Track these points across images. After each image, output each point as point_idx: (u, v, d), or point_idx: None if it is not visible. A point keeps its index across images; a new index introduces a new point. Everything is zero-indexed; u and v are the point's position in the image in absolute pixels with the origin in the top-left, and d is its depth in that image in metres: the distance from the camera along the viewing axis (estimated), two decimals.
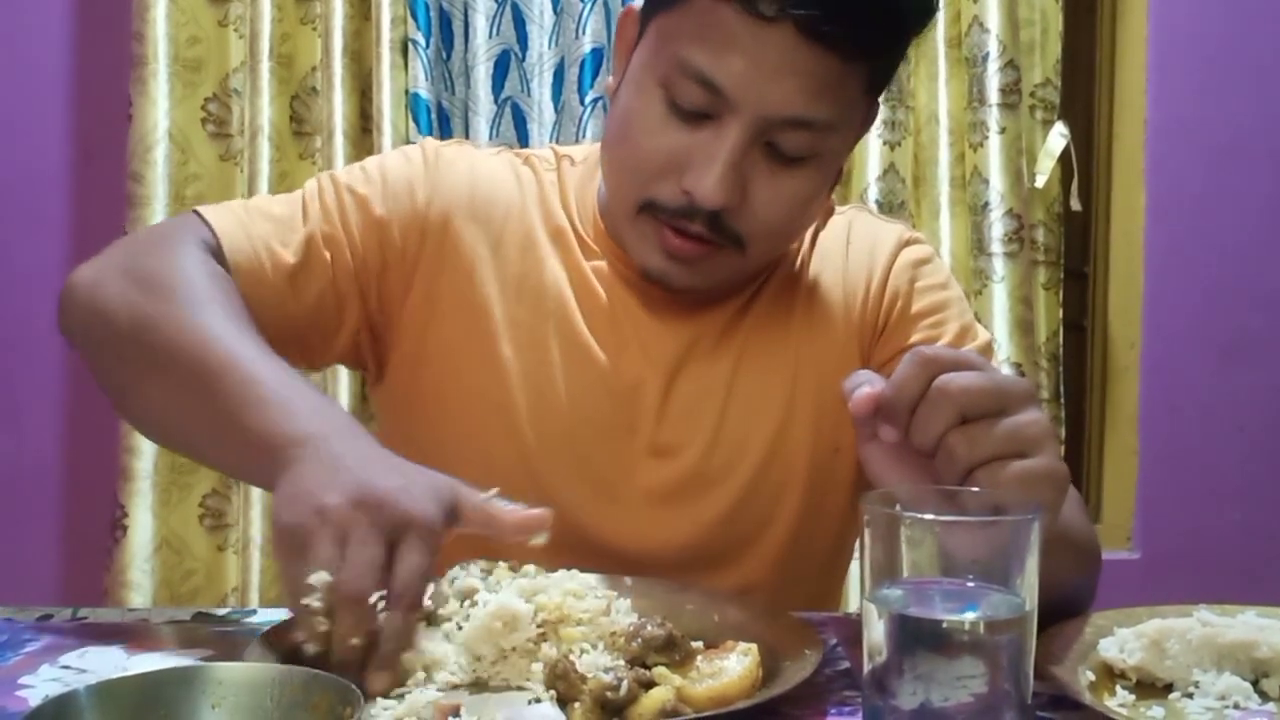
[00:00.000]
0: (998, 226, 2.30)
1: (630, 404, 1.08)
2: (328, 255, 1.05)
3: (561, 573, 0.84)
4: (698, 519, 1.08)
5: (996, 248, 2.31)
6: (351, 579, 0.74)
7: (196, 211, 1.05)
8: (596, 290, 1.09)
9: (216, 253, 1.01)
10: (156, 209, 2.13)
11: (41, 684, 0.81)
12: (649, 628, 0.77)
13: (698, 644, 0.79)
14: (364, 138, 2.19)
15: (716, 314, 1.11)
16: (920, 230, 2.32)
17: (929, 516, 0.61)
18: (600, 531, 1.06)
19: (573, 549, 1.04)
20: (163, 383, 0.91)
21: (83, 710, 0.62)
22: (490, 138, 2.21)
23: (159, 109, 2.14)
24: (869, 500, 0.64)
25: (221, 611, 0.99)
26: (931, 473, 0.78)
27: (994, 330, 2.31)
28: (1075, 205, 2.42)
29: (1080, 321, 2.59)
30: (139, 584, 2.13)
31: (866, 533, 0.63)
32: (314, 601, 0.73)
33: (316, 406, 0.86)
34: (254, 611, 0.99)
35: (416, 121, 2.16)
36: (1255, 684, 0.80)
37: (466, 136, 2.23)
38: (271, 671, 0.67)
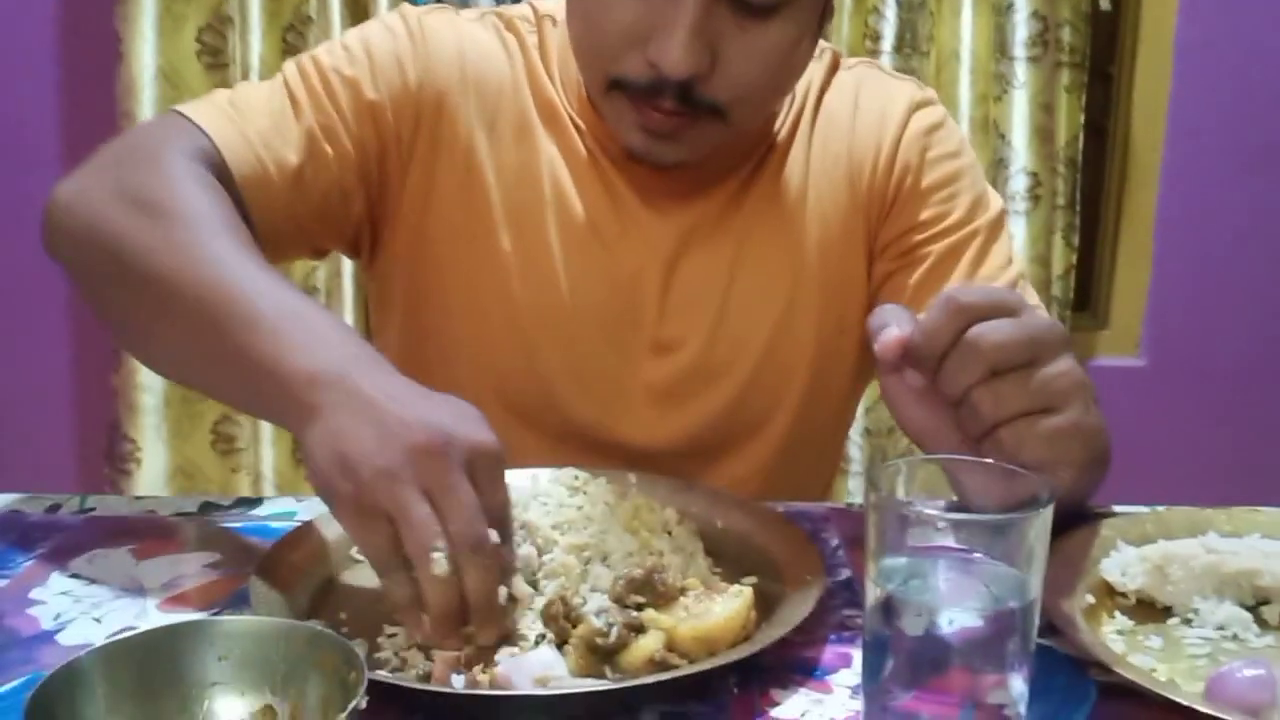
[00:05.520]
0: (1022, 29, 2.21)
1: (631, 295, 1.05)
2: (329, 149, 1.00)
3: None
4: (701, 413, 1.07)
5: (1019, 51, 2.22)
6: (465, 528, 0.69)
7: (181, 113, 0.97)
8: (593, 176, 1.05)
9: (214, 160, 0.94)
10: None
11: (53, 599, 0.82)
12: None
13: (696, 590, 0.78)
14: None
15: (716, 195, 1.06)
16: (941, 31, 2.23)
17: (934, 512, 0.60)
18: (601, 427, 1.05)
19: (574, 444, 1.04)
20: (166, 316, 0.83)
21: (91, 675, 0.62)
22: None
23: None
24: (873, 484, 0.62)
25: (227, 501, 0.99)
26: (955, 416, 0.77)
27: (1012, 138, 2.25)
28: (1105, 4, 2.31)
29: (1102, 123, 2.51)
30: None
31: (870, 518, 0.61)
32: (440, 563, 0.68)
33: (331, 337, 0.78)
34: (259, 502, 0.99)
35: None
36: (1254, 609, 0.80)
37: None
38: (278, 626, 0.67)
